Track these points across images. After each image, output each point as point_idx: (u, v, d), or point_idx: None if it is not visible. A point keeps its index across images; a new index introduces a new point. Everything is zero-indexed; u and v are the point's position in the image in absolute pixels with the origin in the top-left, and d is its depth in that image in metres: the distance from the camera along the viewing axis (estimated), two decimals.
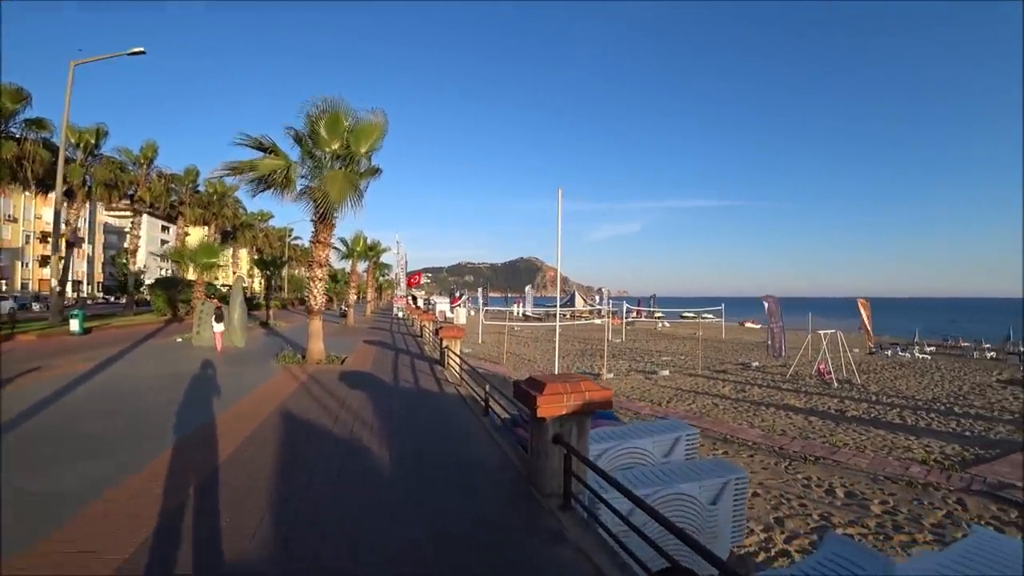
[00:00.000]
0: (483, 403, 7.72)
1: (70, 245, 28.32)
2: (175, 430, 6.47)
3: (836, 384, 19.48)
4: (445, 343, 12.27)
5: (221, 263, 21.61)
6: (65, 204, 29.95)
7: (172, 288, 29.22)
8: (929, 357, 29.82)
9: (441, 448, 6.13)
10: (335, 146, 13.13)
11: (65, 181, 27.39)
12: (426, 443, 6.33)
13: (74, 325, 19.15)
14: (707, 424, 13.47)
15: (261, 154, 12.52)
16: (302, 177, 13.42)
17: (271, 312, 28.64)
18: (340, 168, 12.71)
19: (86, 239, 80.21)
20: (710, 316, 67.85)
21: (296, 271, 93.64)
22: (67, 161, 27.83)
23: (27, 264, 72.92)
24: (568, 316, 67.88)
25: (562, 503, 3.99)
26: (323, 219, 12.93)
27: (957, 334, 45.44)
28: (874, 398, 17.03)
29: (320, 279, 13.10)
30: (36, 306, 56.63)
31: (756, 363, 26.08)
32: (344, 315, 33.09)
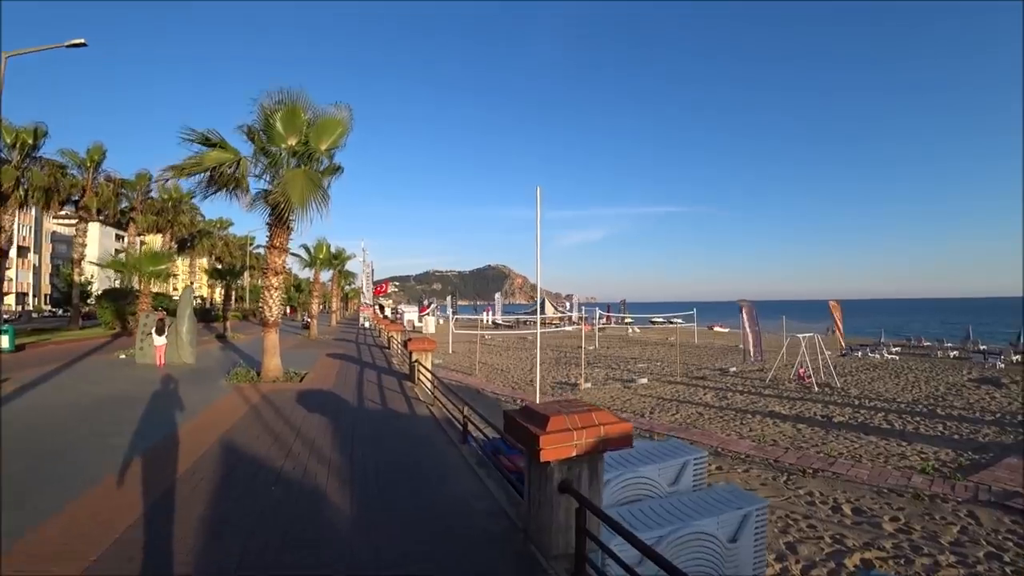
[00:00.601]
0: (461, 427, 6.78)
1: (3, 253, 26.17)
2: (80, 481, 5.26)
3: (817, 388, 19.17)
4: (415, 356, 11.25)
5: (171, 272, 19.96)
6: None
7: (121, 300, 27.26)
8: (897, 358, 30.15)
9: (414, 490, 5.16)
10: (292, 142, 12.05)
11: None
12: (396, 483, 5.36)
13: (3, 342, 17.37)
14: (695, 436, 12.86)
15: (208, 150, 11.36)
16: (255, 177, 12.31)
17: (228, 324, 26.97)
18: (298, 166, 11.62)
19: (32, 248, 75.87)
20: (679, 321, 68.27)
21: (259, 281, 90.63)
22: None
23: None
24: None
25: (573, 569, 3.11)
26: (280, 222, 11.81)
27: (919, 334, 46.48)
28: (857, 402, 16.73)
29: (276, 288, 11.91)
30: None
31: (734, 368, 25.78)
32: (307, 326, 31.56)
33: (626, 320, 65.55)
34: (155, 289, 29.56)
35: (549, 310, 70.99)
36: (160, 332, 14.10)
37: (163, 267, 18.60)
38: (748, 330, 25.66)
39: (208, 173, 11.62)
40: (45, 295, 77.90)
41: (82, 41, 21.00)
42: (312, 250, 30.45)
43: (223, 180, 11.82)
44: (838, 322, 30.56)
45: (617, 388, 20.34)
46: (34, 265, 75.90)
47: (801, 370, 21.50)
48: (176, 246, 48.62)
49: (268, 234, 12.11)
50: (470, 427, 6.66)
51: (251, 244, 72.69)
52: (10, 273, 72.83)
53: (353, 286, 72.94)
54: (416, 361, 11.12)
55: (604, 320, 60.24)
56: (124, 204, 37.94)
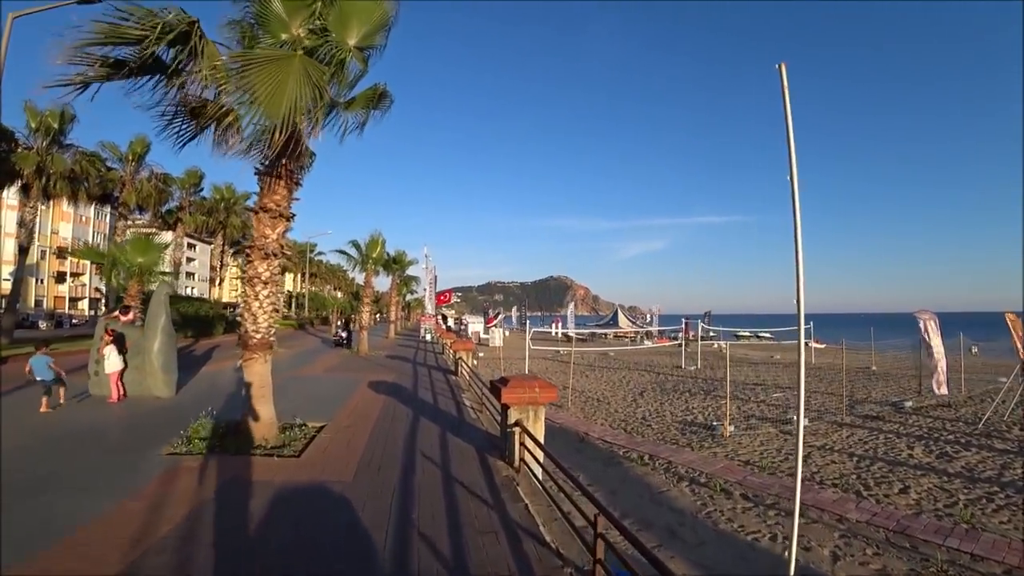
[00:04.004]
0: None
1: (24, 250, 23.07)
2: None
3: None
4: (515, 416, 5.56)
5: (165, 267, 15.47)
6: (19, 201, 24.81)
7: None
8: None
9: None
10: (299, 31, 6.92)
11: (17, 173, 22.26)
12: None
13: None
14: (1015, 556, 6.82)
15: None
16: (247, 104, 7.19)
17: None
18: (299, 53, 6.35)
19: None
20: (767, 335, 59.76)
21: (321, 288, 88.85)
22: (25, 148, 22.74)
23: (42, 281, 69.78)
24: (610, 337, 61.01)
25: None
26: (274, 165, 6.65)
27: None
28: None
29: (266, 283, 6.68)
30: (44, 324, 52.73)
31: (909, 402, 18.78)
32: (341, 343, 25.40)
33: (710, 334, 57.82)
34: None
35: (624, 323, 64.53)
36: (121, 350, 9.36)
37: (155, 259, 13.99)
38: (934, 352, 18.69)
39: (165, 87, 6.70)
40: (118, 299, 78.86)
41: None
42: (364, 247, 25.33)
43: (190, 106, 6.89)
44: (1019, 338, 22.62)
45: (772, 433, 14.10)
46: None
47: None
48: (231, 250, 46.05)
49: (258, 189, 6.98)
50: None
51: (312, 251, 70.58)
52: (84, 279, 74.09)
53: (415, 295, 69.04)
54: (517, 425, 5.47)
55: (681, 334, 53.46)
56: (173, 203, 35.19)
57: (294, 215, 7.08)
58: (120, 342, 9.40)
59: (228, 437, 6.60)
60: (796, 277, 4.65)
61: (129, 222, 32.72)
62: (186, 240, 75.57)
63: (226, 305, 41.47)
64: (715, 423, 14.81)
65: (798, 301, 4.71)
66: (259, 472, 5.48)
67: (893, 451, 12.18)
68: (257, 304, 6.62)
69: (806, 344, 43.06)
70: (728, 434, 13.78)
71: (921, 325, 19.27)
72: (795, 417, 14.96)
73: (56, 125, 23.21)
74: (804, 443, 12.96)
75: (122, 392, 9.40)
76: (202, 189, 37.73)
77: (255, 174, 7.05)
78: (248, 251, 6.82)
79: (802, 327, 4.65)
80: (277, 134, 5.45)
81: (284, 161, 6.73)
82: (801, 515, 8.42)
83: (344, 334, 25.69)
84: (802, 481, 10.09)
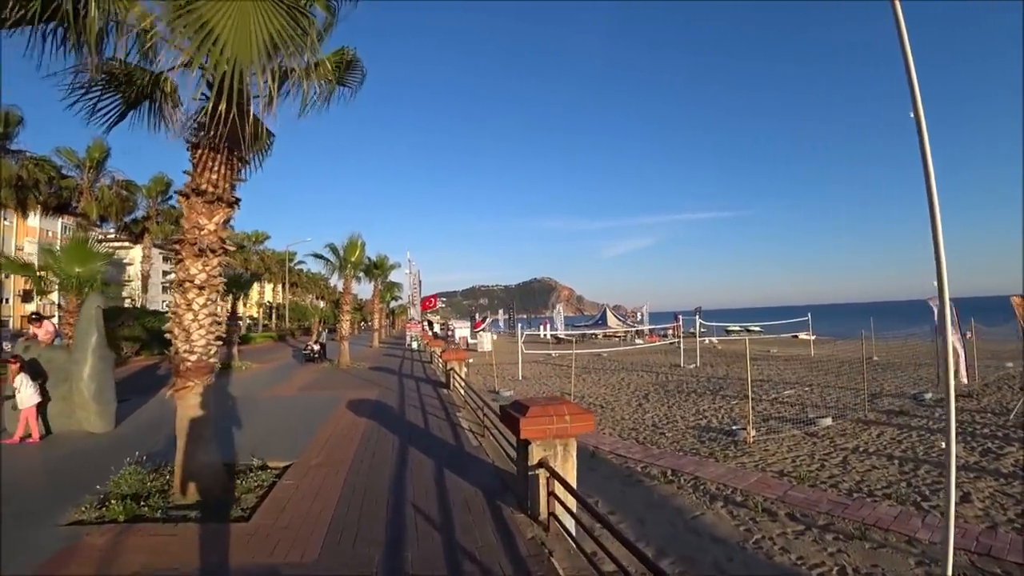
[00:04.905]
0: None
1: None
2: None
3: None
4: (539, 455, 3.91)
5: (128, 279, 13.67)
6: None
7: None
8: None
9: None
10: None
11: None
12: None
13: None
14: None
15: None
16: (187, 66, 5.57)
17: (236, 349, 20.65)
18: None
19: None
20: (758, 328, 59.05)
21: (303, 298, 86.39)
22: None
23: (7, 300, 66.69)
24: (600, 337, 59.91)
25: None
26: (216, 132, 5.08)
27: None
28: None
29: (202, 286, 5.06)
30: (8, 345, 50.01)
31: (928, 394, 17.67)
32: (313, 358, 21.95)
33: (703, 330, 56.75)
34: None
35: (612, 322, 63.43)
36: (36, 379, 7.64)
37: (92, 267, 12.22)
38: (954, 340, 17.61)
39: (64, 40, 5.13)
40: None
41: None
42: (342, 250, 23.34)
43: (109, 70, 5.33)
44: None
45: (800, 438, 12.75)
46: None
47: None
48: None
49: (191, 168, 5.41)
50: None
51: (291, 260, 68.47)
52: (53, 297, 71.02)
53: (399, 302, 67.22)
54: (541, 466, 3.95)
55: (670, 330, 52.48)
56: (138, 212, 33.19)
57: (238, 199, 5.51)
58: (33, 369, 7.73)
59: (158, 493, 5.02)
60: (935, 244, 3.27)
61: (95, 233, 30.75)
62: (161, 254, 72.86)
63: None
64: (733, 427, 13.46)
65: (940, 281, 3.33)
66: (187, 551, 3.92)
67: (933, 451, 10.94)
68: (191, 316, 5.04)
69: (795, 336, 42.05)
70: (752, 440, 12.40)
71: (935, 312, 18.27)
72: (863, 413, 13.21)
73: (1, 129, 21.30)
74: (834, 446, 11.71)
75: (35, 431, 7.64)
76: (170, 197, 35.72)
77: (187, 147, 5.47)
78: (177, 246, 5.22)
79: (947, 314, 3.31)
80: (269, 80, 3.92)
81: (223, 128, 5.14)
82: (863, 537, 7.06)
83: (317, 347, 22.54)
84: (849, 493, 8.78)
